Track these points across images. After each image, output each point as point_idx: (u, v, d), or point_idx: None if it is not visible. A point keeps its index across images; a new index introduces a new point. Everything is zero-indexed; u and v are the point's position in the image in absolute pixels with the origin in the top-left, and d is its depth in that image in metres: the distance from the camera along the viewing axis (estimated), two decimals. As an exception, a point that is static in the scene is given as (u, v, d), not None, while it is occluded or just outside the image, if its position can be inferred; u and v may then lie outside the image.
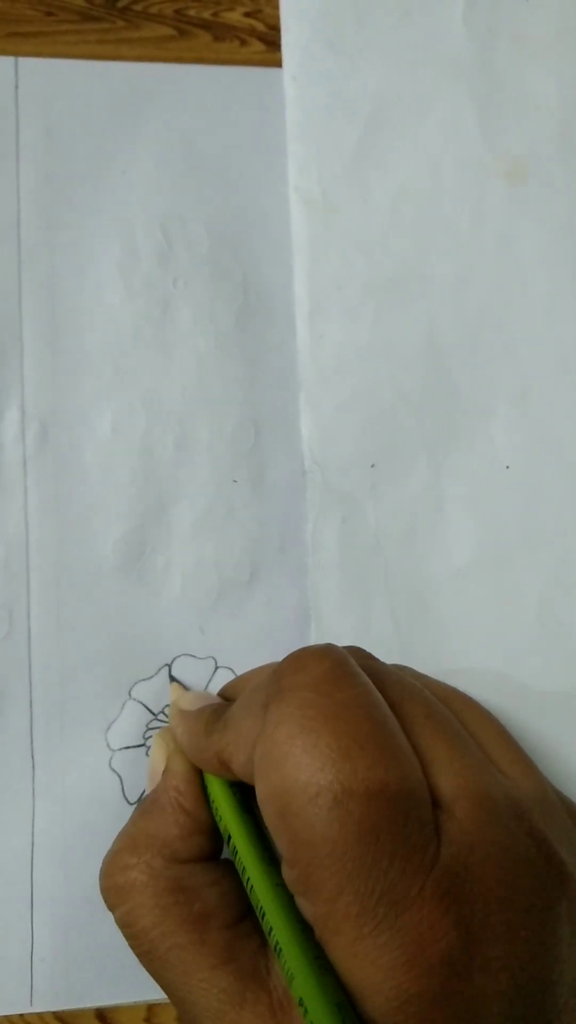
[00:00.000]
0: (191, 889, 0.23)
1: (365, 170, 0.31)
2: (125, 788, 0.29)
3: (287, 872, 0.21)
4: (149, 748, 0.29)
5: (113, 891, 0.24)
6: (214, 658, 0.30)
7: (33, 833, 0.28)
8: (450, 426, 0.31)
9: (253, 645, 0.30)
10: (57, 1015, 0.28)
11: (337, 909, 0.20)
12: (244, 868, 0.23)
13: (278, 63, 0.31)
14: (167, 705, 0.29)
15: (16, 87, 0.30)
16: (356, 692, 0.22)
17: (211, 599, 0.30)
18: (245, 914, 0.24)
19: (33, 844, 0.28)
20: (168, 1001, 0.28)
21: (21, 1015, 0.28)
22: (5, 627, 0.29)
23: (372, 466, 0.30)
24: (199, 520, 0.30)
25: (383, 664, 0.26)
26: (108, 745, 0.29)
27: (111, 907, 0.24)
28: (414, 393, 0.31)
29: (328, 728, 0.21)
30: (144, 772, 0.29)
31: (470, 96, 0.32)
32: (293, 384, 0.31)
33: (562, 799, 0.25)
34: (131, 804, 0.29)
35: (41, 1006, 0.28)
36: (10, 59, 0.30)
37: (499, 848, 0.21)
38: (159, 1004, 0.29)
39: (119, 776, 0.29)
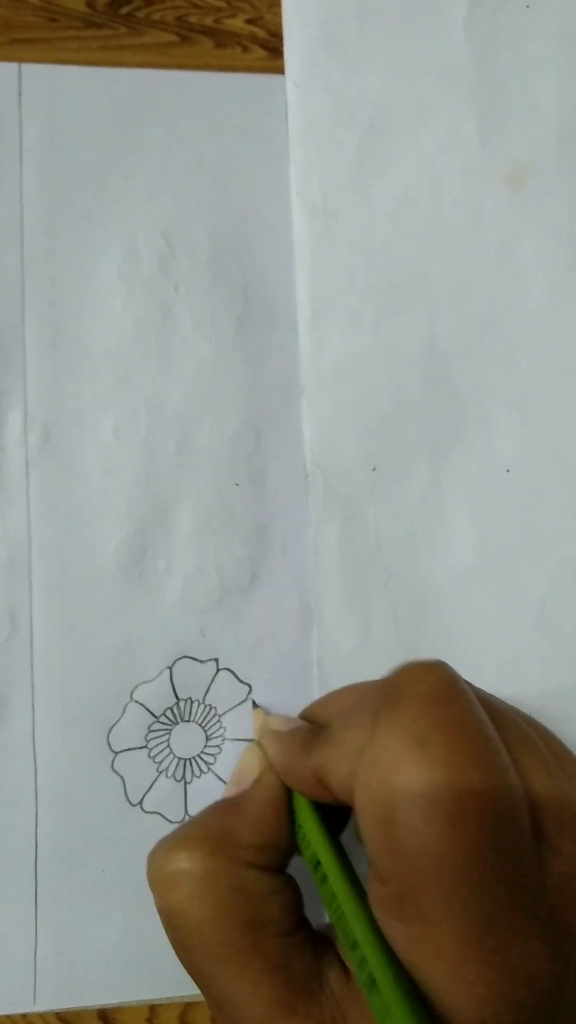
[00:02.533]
0: (254, 893, 0.23)
1: (366, 176, 0.31)
2: (127, 789, 0.29)
3: (378, 890, 0.21)
4: (151, 750, 0.29)
5: (170, 876, 0.23)
6: (215, 660, 0.30)
7: (36, 834, 0.28)
8: (450, 430, 0.31)
9: (254, 648, 0.30)
10: (60, 1015, 0.28)
11: (441, 932, 0.19)
12: (334, 895, 0.22)
13: (280, 70, 0.31)
14: (168, 708, 0.30)
15: (19, 93, 0.30)
16: (469, 708, 0.22)
17: (212, 602, 0.30)
18: (301, 927, 0.23)
19: (36, 845, 0.28)
20: (170, 1001, 0.28)
21: (24, 1015, 0.28)
22: (7, 629, 0.29)
23: (373, 470, 0.31)
24: (200, 523, 0.30)
25: (476, 687, 0.25)
26: (110, 747, 0.29)
27: (161, 892, 0.23)
28: (415, 397, 0.31)
29: (443, 741, 0.20)
30: (146, 773, 0.29)
31: (471, 102, 0.32)
32: (294, 388, 0.31)
33: None
34: (133, 805, 0.29)
35: (44, 1005, 0.28)
36: (13, 65, 0.30)
37: None
38: (161, 1004, 0.29)
39: (121, 777, 0.29)
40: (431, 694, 0.21)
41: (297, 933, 0.23)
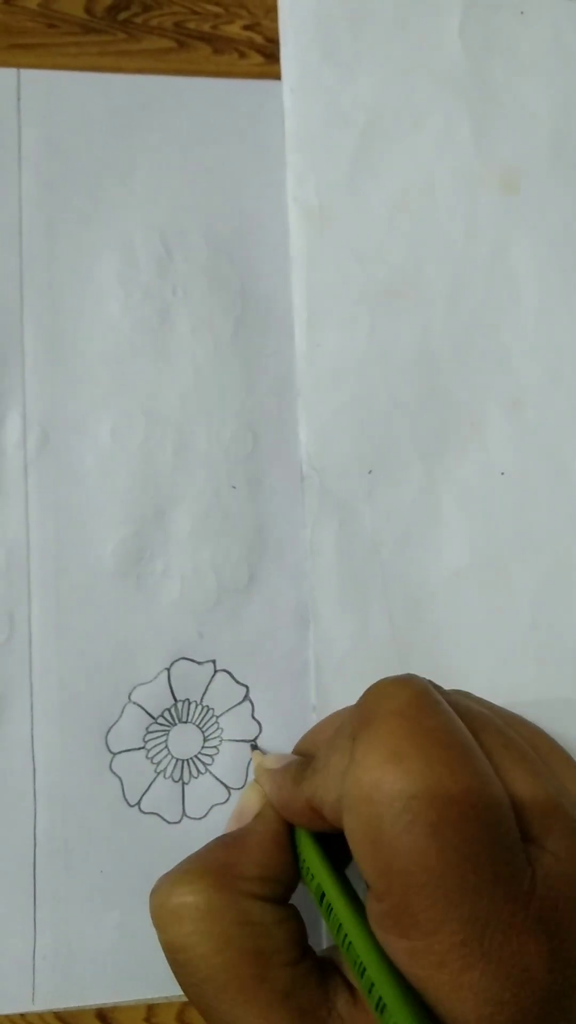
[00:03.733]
0: (259, 925, 0.23)
1: (361, 180, 0.32)
2: (125, 790, 0.29)
3: (375, 907, 0.21)
4: (149, 751, 0.29)
5: (174, 910, 0.23)
6: (213, 662, 0.30)
7: (35, 834, 0.29)
8: (445, 433, 0.31)
9: (251, 649, 0.30)
10: (58, 1014, 0.28)
11: (440, 940, 0.19)
12: (340, 925, 0.23)
13: (276, 75, 0.32)
14: (166, 709, 0.30)
15: (18, 98, 0.31)
16: (443, 719, 0.22)
17: (210, 603, 0.30)
18: (306, 955, 0.24)
19: (35, 845, 0.28)
20: (168, 1000, 0.29)
21: (22, 1014, 0.28)
22: (6, 631, 0.29)
23: (369, 472, 0.31)
24: (198, 525, 0.30)
25: (454, 694, 0.26)
26: (108, 748, 0.29)
27: (165, 927, 0.23)
28: (409, 400, 0.31)
29: (419, 754, 0.21)
30: (144, 774, 0.29)
31: (465, 107, 0.32)
32: (290, 391, 0.31)
33: None
34: (131, 806, 0.29)
35: (43, 1005, 0.28)
36: (12, 71, 0.31)
37: None
38: (159, 1004, 0.29)
39: (119, 778, 0.29)
40: (403, 709, 0.22)
41: (303, 962, 0.23)
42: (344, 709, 0.27)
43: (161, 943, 0.24)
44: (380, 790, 0.20)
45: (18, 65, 0.31)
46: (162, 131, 0.31)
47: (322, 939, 0.28)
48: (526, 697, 0.30)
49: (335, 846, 0.25)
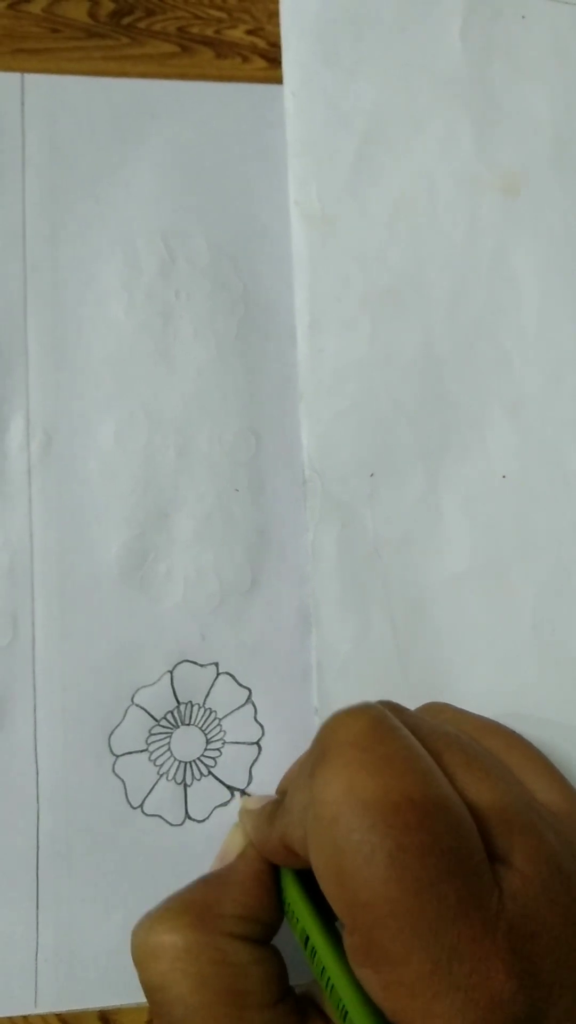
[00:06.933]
0: (236, 964, 0.23)
1: (362, 184, 0.32)
2: (128, 792, 0.29)
3: (348, 941, 0.21)
4: (151, 753, 0.29)
5: (152, 949, 0.23)
6: (215, 664, 0.30)
7: (38, 837, 0.29)
8: (446, 436, 0.31)
9: (254, 651, 0.30)
10: (60, 1016, 0.28)
11: (409, 971, 0.19)
12: (324, 968, 0.22)
13: (279, 80, 0.32)
14: (169, 711, 0.30)
15: (22, 103, 0.31)
16: (399, 745, 0.22)
17: (212, 606, 0.30)
18: (286, 996, 0.23)
19: (38, 847, 0.28)
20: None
21: (25, 1016, 0.28)
22: (9, 634, 0.29)
23: (371, 475, 0.31)
24: (200, 528, 0.30)
25: (417, 715, 0.25)
26: (111, 750, 0.29)
27: (144, 965, 0.23)
28: (411, 403, 0.31)
29: (375, 783, 0.20)
30: (147, 776, 0.29)
31: (466, 112, 0.32)
32: (293, 394, 0.31)
33: None
34: (134, 808, 0.29)
35: (45, 1007, 0.28)
36: (16, 75, 0.31)
37: (563, 897, 0.20)
38: (161, 1005, 0.29)
39: (122, 780, 0.29)
40: (357, 739, 0.22)
41: (282, 1003, 0.23)
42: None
43: (141, 983, 0.23)
44: (339, 824, 0.20)
45: (22, 69, 0.31)
46: (165, 135, 0.31)
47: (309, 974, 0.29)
48: (527, 700, 0.30)
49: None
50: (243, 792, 0.30)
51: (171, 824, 0.29)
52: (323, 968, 0.22)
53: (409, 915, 0.19)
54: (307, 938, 0.23)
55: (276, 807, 0.25)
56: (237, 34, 0.32)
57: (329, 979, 0.22)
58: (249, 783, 0.30)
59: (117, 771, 0.29)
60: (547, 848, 0.21)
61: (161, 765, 0.30)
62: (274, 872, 0.25)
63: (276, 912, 0.25)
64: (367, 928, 0.20)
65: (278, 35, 0.32)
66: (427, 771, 0.21)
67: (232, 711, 0.30)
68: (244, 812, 0.27)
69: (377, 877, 0.19)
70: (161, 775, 0.29)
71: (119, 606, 0.30)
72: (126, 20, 0.32)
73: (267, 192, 0.32)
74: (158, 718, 0.30)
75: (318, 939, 0.23)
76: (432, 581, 0.31)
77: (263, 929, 0.24)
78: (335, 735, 0.22)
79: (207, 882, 0.25)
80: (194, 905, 0.24)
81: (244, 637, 0.30)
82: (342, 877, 0.20)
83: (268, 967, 0.24)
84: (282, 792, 0.28)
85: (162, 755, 0.30)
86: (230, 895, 0.24)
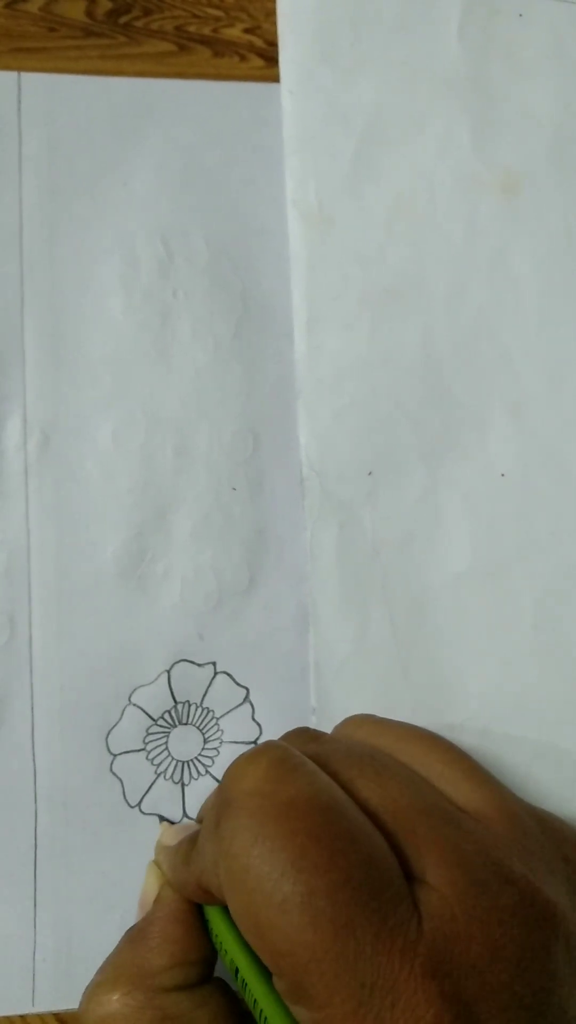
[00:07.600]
0: (177, 1017, 0.23)
1: (361, 183, 0.32)
2: (126, 792, 0.29)
3: (278, 984, 0.21)
4: (149, 752, 0.29)
5: (100, 1022, 0.23)
6: (213, 664, 0.30)
7: (36, 836, 0.29)
8: (446, 435, 0.31)
9: (252, 651, 0.30)
10: (58, 1016, 0.28)
11: (334, 1010, 0.19)
12: (256, 1000, 0.22)
13: (277, 78, 0.32)
14: (166, 711, 0.30)
15: (19, 102, 0.31)
16: (301, 784, 0.22)
17: (210, 606, 0.30)
18: None
19: (36, 847, 0.29)
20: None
21: (22, 1016, 0.28)
22: (7, 633, 0.29)
23: (369, 474, 0.31)
24: (198, 527, 0.30)
25: (332, 739, 0.25)
26: (109, 749, 0.29)
27: None
28: (410, 402, 0.31)
29: (280, 830, 0.21)
30: (145, 775, 0.29)
31: (464, 110, 0.32)
32: (291, 393, 0.31)
33: (531, 813, 0.25)
34: (132, 807, 0.29)
35: (43, 1006, 0.28)
36: (13, 74, 0.31)
37: (482, 909, 0.20)
38: (159, 1005, 0.29)
39: (119, 780, 0.29)
40: (258, 787, 0.22)
41: None
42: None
43: None
44: (249, 875, 0.20)
45: (19, 68, 0.31)
46: (163, 134, 0.31)
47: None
48: (528, 700, 0.30)
49: None
50: (161, 819, 0.29)
51: (169, 822, 0.29)
52: (255, 1000, 0.22)
53: (328, 958, 0.19)
54: (237, 970, 0.23)
55: (191, 846, 0.25)
56: (234, 33, 0.32)
57: (262, 1011, 0.22)
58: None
59: (115, 770, 0.29)
60: (461, 859, 0.21)
61: (159, 764, 0.30)
62: (197, 907, 0.25)
63: (207, 947, 0.25)
64: (291, 973, 0.20)
65: (275, 34, 0.32)
66: (332, 806, 0.21)
67: (230, 710, 0.30)
68: (160, 848, 0.27)
69: (291, 925, 0.20)
70: (159, 774, 0.29)
71: (117, 606, 0.30)
72: (123, 19, 0.32)
73: (265, 191, 0.32)
74: (156, 717, 0.30)
75: (247, 972, 0.23)
76: (432, 581, 0.31)
77: (198, 970, 0.24)
78: (238, 784, 0.22)
79: (132, 940, 0.25)
80: (124, 970, 0.24)
81: (242, 636, 0.30)
82: (260, 929, 0.20)
83: (213, 1006, 0.24)
84: (200, 821, 0.28)
85: (160, 754, 0.30)
86: (154, 948, 0.24)
